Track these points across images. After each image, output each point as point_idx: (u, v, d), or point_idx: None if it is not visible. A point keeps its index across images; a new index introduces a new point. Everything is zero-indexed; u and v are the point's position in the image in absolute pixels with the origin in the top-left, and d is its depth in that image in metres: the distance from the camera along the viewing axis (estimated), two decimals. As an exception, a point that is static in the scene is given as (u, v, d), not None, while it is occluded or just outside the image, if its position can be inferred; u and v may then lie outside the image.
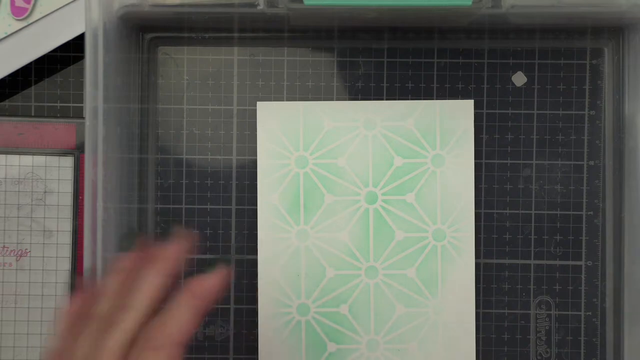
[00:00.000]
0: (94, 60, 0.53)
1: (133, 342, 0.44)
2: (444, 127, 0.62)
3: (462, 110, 0.62)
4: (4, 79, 0.62)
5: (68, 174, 0.62)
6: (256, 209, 0.62)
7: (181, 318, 0.45)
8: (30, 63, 0.62)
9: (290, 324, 0.61)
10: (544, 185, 0.63)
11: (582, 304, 0.63)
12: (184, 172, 0.63)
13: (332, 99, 0.63)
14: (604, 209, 0.63)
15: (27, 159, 0.62)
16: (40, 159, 0.62)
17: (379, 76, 0.63)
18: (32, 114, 0.63)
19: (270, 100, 0.62)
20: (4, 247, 0.62)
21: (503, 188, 0.63)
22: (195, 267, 0.62)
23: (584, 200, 0.63)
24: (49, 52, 0.61)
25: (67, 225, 0.62)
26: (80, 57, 0.63)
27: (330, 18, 0.60)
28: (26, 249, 0.62)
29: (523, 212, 0.63)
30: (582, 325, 0.63)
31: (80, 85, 0.63)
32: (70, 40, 0.61)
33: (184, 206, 0.62)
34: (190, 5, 0.57)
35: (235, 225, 0.62)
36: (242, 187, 0.62)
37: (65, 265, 0.62)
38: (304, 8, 0.55)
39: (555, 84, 0.63)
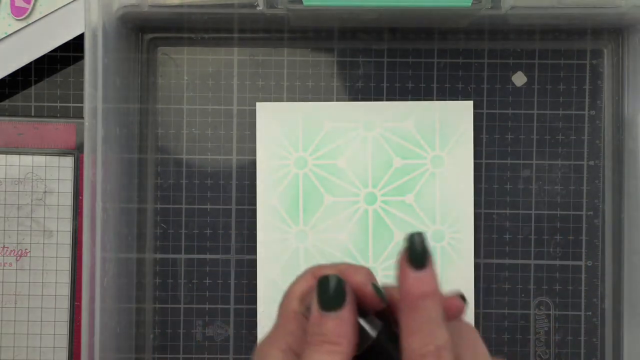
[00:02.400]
0: (93, 61, 0.53)
1: None
2: (443, 128, 0.62)
3: (461, 111, 0.62)
4: (4, 79, 0.62)
5: (68, 174, 0.62)
6: (256, 209, 0.62)
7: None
8: (30, 63, 0.62)
9: (289, 324, 0.61)
10: (544, 186, 0.63)
11: (582, 304, 0.63)
12: (184, 172, 0.63)
13: (332, 99, 0.63)
14: (604, 209, 0.63)
15: (27, 159, 0.62)
16: (40, 159, 0.62)
17: (379, 76, 0.63)
18: (32, 114, 0.63)
19: (270, 100, 0.62)
20: (4, 247, 0.62)
21: (503, 188, 0.63)
22: (195, 267, 0.62)
23: (584, 200, 0.63)
24: (49, 52, 0.61)
25: (67, 225, 0.62)
26: (80, 57, 0.63)
27: (330, 19, 0.60)
28: (26, 249, 0.62)
29: (523, 212, 0.63)
30: (582, 326, 0.63)
31: (80, 85, 0.63)
32: (70, 40, 0.61)
33: (184, 206, 0.62)
34: (189, 6, 0.56)
35: (235, 225, 0.62)
36: (242, 187, 0.62)
37: (65, 265, 0.62)
38: (303, 9, 0.55)
39: (555, 84, 0.63)
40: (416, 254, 0.40)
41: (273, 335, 0.43)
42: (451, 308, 0.43)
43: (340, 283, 0.41)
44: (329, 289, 0.41)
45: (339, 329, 0.40)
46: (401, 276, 0.40)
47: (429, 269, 0.40)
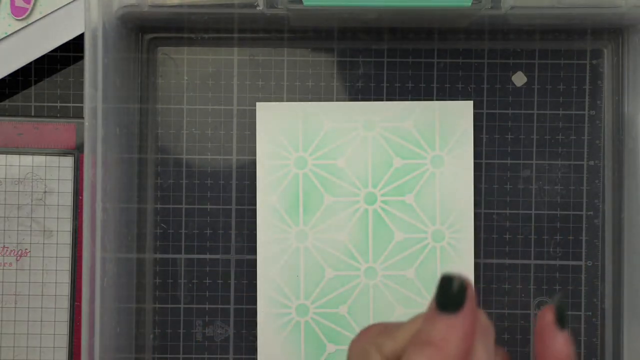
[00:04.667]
0: (93, 61, 0.53)
1: None
2: (443, 128, 0.62)
3: (461, 111, 0.62)
4: (4, 79, 0.62)
5: (68, 174, 0.62)
6: (256, 209, 0.62)
7: None
8: (30, 63, 0.62)
9: (289, 324, 0.61)
10: (544, 186, 0.63)
11: (582, 304, 0.63)
12: (184, 172, 0.63)
13: (332, 99, 0.63)
14: (604, 209, 0.63)
15: (27, 159, 0.62)
16: (40, 159, 0.62)
17: (379, 76, 0.63)
18: (32, 114, 0.63)
19: (270, 100, 0.63)
20: (4, 247, 0.62)
21: (503, 188, 0.63)
22: (195, 267, 0.62)
23: (584, 200, 0.63)
24: (49, 52, 0.61)
25: (67, 225, 0.62)
26: (80, 57, 0.63)
27: (330, 18, 0.60)
28: (26, 249, 0.62)
29: (523, 212, 0.63)
30: (582, 326, 0.63)
31: (80, 85, 0.63)
32: (70, 40, 0.61)
33: (183, 206, 0.62)
34: (189, 6, 0.56)
35: (235, 225, 0.62)
36: (242, 187, 0.62)
37: (65, 265, 0.62)
38: (304, 8, 0.55)
39: (555, 84, 0.63)
40: (563, 314, 0.41)
41: (385, 342, 0.41)
42: None
43: (462, 287, 0.39)
44: (450, 289, 0.39)
45: (447, 333, 0.39)
46: (549, 337, 0.40)
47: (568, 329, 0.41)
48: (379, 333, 0.42)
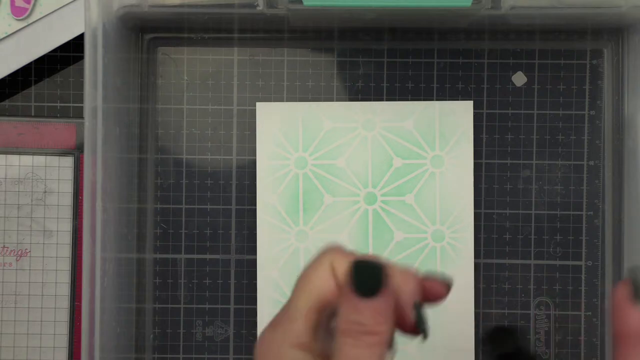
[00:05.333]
0: (93, 61, 0.53)
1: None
2: (443, 128, 0.62)
3: (461, 111, 0.62)
4: (4, 79, 0.62)
5: (68, 174, 0.62)
6: (256, 209, 0.62)
7: None
8: (30, 63, 0.62)
9: (289, 324, 0.61)
10: (544, 186, 0.63)
11: (582, 304, 0.63)
12: (184, 172, 0.63)
13: (332, 99, 0.63)
14: (604, 209, 0.63)
15: (27, 159, 0.62)
16: (40, 159, 0.62)
17: (379, 76, 0.63)
18: (32, 114, 0.63)
19: (270, 100, 0.63)
20: (4, 247, 0.62)
21: (503, 188, 0.63)
22: (195, 267, 0.62)
23: (584, 200, 0.63)
24: (49, 52, 0.61)
25: (67, 225, 0.62)
26: (80, 57, 0.63)
27: (330, 19, 0.60)
28: (26, 249, 0.62)
29: (523, 212, 0.63)
30: (582, 326, 0.63)
31: (80, 85, 0.63)
32: (70, 40, 0.61)
33: (183, 206, 0.62)
34: (189, 6, 0.56)
35: (235, 225, 0.62)
36: (242, 187, 0.62)
37: (65, 265, 0.62)
38: (304, 9, 0.55)
39: (555, 84, 0.63)
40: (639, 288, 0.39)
41: (286, 331, 0.40)
42: (431, 292, 0.42)
43: (379, 267, 0.38)
44: (368, 274, 0.38)
45: (378, 317, 0.38)
46: (624, 313, 0.39)
47: None
48: (276, 330, 0.41)
